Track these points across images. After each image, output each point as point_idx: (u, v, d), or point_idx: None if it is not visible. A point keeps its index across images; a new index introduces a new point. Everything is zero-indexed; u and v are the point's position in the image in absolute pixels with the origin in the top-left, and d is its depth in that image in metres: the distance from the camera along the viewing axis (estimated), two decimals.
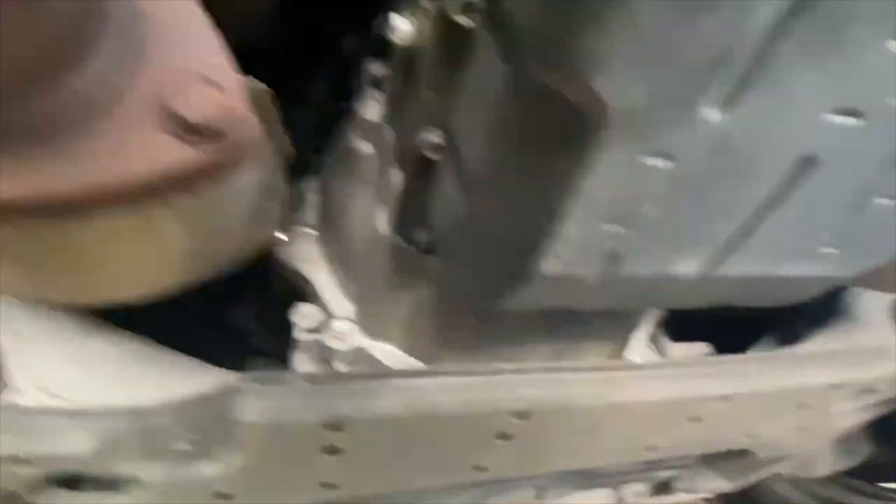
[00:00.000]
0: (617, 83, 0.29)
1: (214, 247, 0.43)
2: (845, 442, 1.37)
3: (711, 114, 0.32)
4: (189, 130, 0.27)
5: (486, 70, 0.38)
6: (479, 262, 0.47)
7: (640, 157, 0.34)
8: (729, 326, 0.98)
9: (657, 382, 0.57)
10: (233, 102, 0.28)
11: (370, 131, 0.72)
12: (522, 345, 0.75)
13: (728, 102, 0.32)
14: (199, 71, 0.28)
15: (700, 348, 1.09)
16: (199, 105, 0.27)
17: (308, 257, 0.89)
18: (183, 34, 0.29)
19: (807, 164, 0.38)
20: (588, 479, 0.97)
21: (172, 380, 0.50)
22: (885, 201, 0.44)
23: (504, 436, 0.56)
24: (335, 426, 0.48)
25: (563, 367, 0.53)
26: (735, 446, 0.83)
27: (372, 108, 0.71)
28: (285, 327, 0.94)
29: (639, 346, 0.91)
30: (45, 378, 0.49)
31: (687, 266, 0.46)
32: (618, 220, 0.39)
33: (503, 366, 0.52)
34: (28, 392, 0.48)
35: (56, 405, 0.46)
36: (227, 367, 0.95)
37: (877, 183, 0.42)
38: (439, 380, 0.49)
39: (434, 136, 0.47)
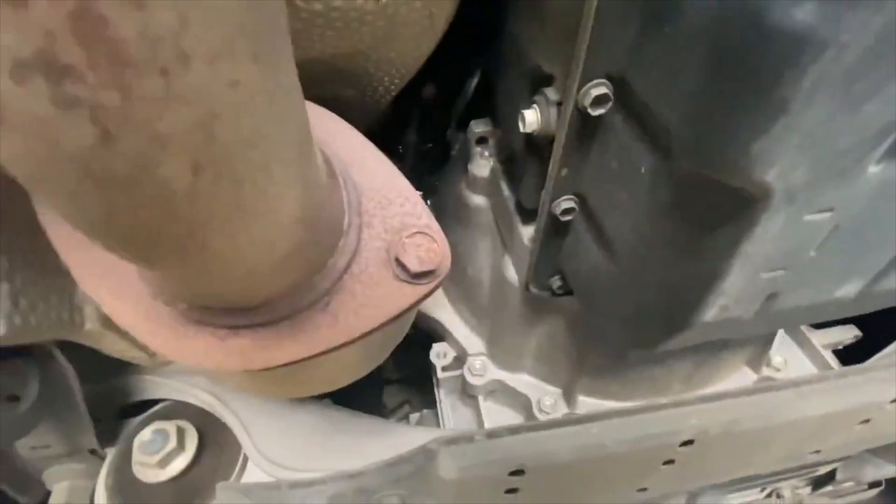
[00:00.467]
0: (783, 172, 0.31)
1: (400, 336, 0.50)
2: None
3: (872, 169, 0.33)
4: (413, 277, 0.33)
5: (624, 153, 0.41)
6: (627, 316, 0.50)
7: (804, 216, 0.35)
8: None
9: (823, 397, 0.56)
10: (440, 247, 0.34)
11: (482, 186, 0.78)
12: (660, 363, 0.76)
13: (889, 157, 0.33)
14: (411, 224, 0.35)
15: (847, 332, 1.02)
16: (419, 255, 0.33)
17: (434, 299, 0.97)
18: (388, 193, 0.36)
19: None
20: (743, 481, 0.95)
21: (371, 442, 0.58)
22: None
23: (669, 462, 0.58)
24: (515, 472, 0.54)
25: (726, 394, 0.54)
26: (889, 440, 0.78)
27: (481, 165, 0.76)
28: (419, 364, 1.03)
29: (778, 343, 0.88)
30: (272, 452, 0.59)
31: (846, 290, 0.46)
32: (778, 267, 0.40)
33: (664, 401, 0.55)
34: (262, 465, 0.59)
35: (291, 476, 0.55)
36: (366, 399, 1.04)
37: None
38: (605, 423, 0.53)
39: (566, 203, 0.51)
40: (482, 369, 0.88)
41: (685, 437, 0.54)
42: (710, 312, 0.44)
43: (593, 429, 0.53)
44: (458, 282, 0.91)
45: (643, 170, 0.39)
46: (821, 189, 0.33)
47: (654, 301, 0.46)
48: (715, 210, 0.36)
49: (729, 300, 0.43)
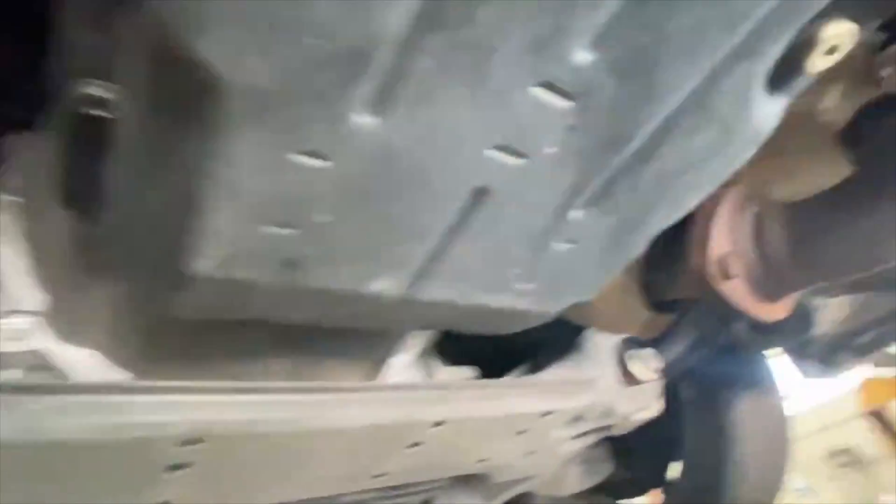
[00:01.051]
0: (227, 52, 0.24)
1: None
2: (588, 462, 1.56)
3: (363, 118, 0.30)
4: None
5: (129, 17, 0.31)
6: (136, 259, 0.39)
7: (287, 152, 0.30)
8: (499, 352, 1.04)
9: (365, 407, 0.54)
10: None
11: None
12: (250, 359, 0.67)
13: (378, 109, 0.30)
14: None
15: (465, 372, 1.13)
16: None
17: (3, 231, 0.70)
18: None
19: (481, 194, 0.39)
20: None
21: None
22: (563, 245, 0.49)
23: (175, 466, 0.47)
24: None
25: (245, 388, 0.46)
26: (469, 470, 0.86)
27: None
28: None
29: (401, 367, 0.89)
30: None
31: (383, 285, 0.44)
32: (283, 223, 0.34)
33: (167, 383, 0.44)
34: None
35: None
36: None
37: (552, 226, 0.45)
38: (67, 398, 0.39)
39: (96, 89, 0.38)
40: (25, 333, 0.64)
41: (184, 431, 0.44)
42: (208, 262, 0.35)
43: (39, 403, 0.38)
44: (38, 208, 0.67)
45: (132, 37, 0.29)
46: (301, 119, 0.28)
47: (148, 236, 0.36)
48: (177, 98, 0.27)
49: (228, 250, 0.35)
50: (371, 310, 0.47)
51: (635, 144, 0.40)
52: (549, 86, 0.32)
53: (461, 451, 0.73)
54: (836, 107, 0.69)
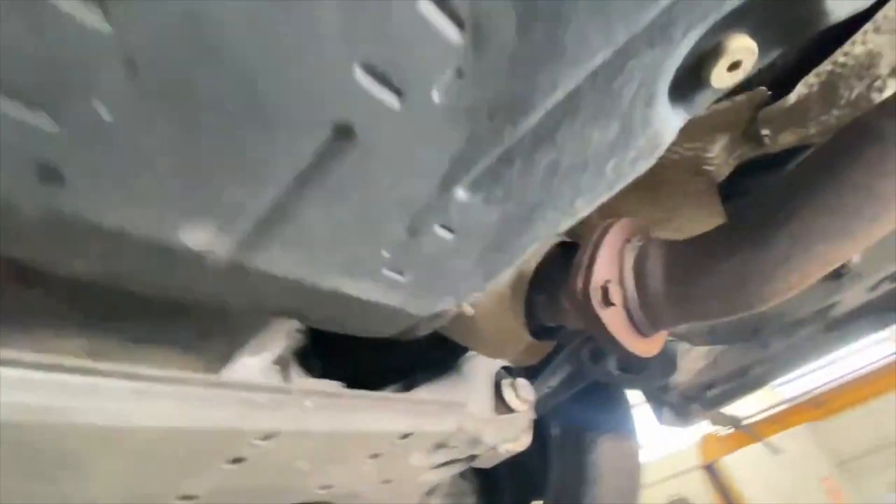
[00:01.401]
0: None
1: None
2: (452, 495, 1.48)
3: None
4: None
5: None
6: None
7: None
8: (375, 370, 0.94)
9: (163, 403, 0.42)
10: None
11: None
12: (35, 328, 0.51)
13: None
14: None
15: (330, 386, 1.01)
16: None
17: None
18: None
19: (343, 134, 0.31)
20: None
21: None
22: (444, 233, 0.42)
23: None
24: None
25: None
26: (308, 498, 0.74)
27: None
28: None
29: (250, 371, 0.76)
30: None
31: (200, 238, 0.33)
32: (31, 99, 0.23)
33: None
34: None
35: None
36: None
37: (433, 203, 0.38)
38: None
39: None
40: None
41: None
42: None
43: None
44: None
45: None
46: None
47: None
48: None
49: None
50: (186, 273, 0.36)
51: (533, 119, 0.35)
52: (439, 1, 0.26)
53: (298, 473, 0.62)
54: (721, 159, 0.73)
